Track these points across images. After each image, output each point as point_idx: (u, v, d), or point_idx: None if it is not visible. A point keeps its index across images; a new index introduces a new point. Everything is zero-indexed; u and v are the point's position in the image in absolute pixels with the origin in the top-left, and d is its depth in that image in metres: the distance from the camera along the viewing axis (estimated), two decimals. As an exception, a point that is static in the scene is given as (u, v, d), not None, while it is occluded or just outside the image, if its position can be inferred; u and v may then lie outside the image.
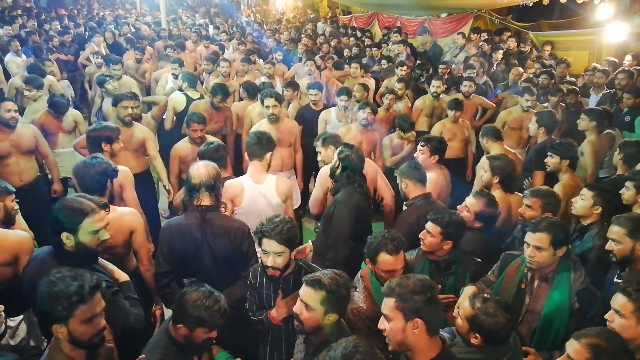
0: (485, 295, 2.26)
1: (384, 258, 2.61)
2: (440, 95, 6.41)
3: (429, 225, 2.91)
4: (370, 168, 4.01)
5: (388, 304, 1.99)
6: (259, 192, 3.51)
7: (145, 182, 4.71)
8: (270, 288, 2.75)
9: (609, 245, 2.83)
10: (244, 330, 3.07)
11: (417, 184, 3.55)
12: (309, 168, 5.57)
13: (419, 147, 4.16)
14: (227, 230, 2.90)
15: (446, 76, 7.82)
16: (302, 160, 5.27)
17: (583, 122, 4.97)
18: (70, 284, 1.94)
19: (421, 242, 2.95)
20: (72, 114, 5.45)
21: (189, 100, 5.92)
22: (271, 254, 2.60)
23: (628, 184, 3.51)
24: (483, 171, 3.85)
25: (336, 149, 3.91)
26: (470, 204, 3.29)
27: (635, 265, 2.79)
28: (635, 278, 2.62)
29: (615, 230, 2.79)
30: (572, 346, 1.96)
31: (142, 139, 4.75)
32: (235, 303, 2.90)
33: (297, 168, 5.25)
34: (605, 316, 2.25)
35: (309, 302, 2.18)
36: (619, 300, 2.21)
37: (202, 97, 6.04)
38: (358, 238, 3.26)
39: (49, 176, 5.02)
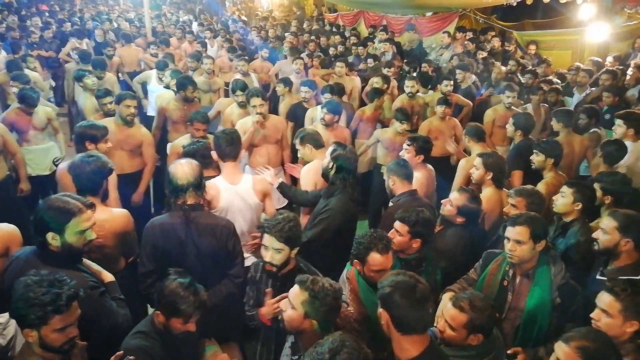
0: (465, 295, 2.34)
1: (374, 257, 2.60)
2: (419, 94, 6.46)
3: (397, 224, 2.92)
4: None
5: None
6: (235, 193, 3.44)
7: (138, 182, 4.66)
8: (267, 284, 2.73)
9: (596, 234, 2.87)
10: (230, 328, 3.06)
11: (404, 181, 3.58)
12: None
13: (404, 146, 4.17)
14: (212, 228, 2.87)
15: (432, 74, 7.87)
16: (290, 158, 5.23)
17: (553, 123, 5.07)
18: (47, 291, 1.91)
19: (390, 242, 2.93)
20: (44, 111, 5.31)
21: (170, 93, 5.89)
22: (270, 249, 2.61)
23: (595, 185, 3.54)
24: (475, 169, 3.87)
25: (314, 147, 3.92)
26: (454, 198, 3.31)
27: (616, 260, 2.81)
28: (619, 276, 2.68)
29: (606, 222, 2.82)
30: (562, 349, 1.98)
31: (141, 141, 4.70)
32: (221, 301, 2.88)
33: (285, 165, 5.21)
34: (592, 315, 2.27)
35: (293, 300, 2.17)
36: (605, 299, 2.24)
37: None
38: (337, 248, 3.25)
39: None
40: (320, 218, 3.36)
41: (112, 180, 3.56)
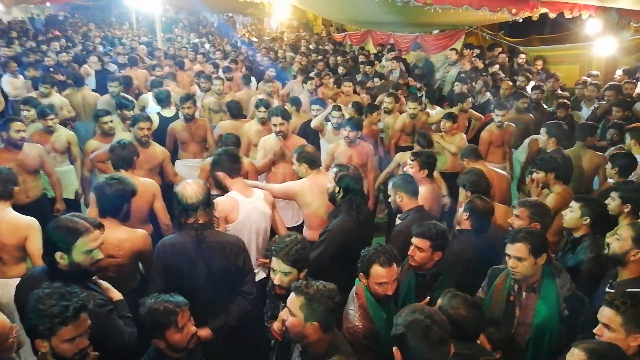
0: (454, 292, 2.39)
1: (377, 270, 2.60)
2: (428, 110, 6.54)
3: (417, 240, 2.92)
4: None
5: None
6: (252, 206, 3.55)
7: None
8: (280, 299, 2.76)
9: (610, 239, 2.85)
10: (245, 346, 3.08)
11: (412, 198, 3.59)
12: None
13: (408, 161, 4.21)
14: (222, 246, 2.90)
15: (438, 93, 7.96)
16: None
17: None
18: (56, 303, 1.97)
19: (410, 259, 2.96)
20: (66, 134, 5.46)
21: (162, 118, 6.03)
22: (279, 272, 2.63)
23: (613, 194, 3.53)
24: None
25: (309, 166, 3.91)
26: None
27: (623, 270, 2.79)
28: (627, 288, 2.66)
29: (624, 230, 2.82)
30: (571, 353, 2.00)
31: (161, 160, 4.83)
32: (235, 322, 2.92)
33: None
34: (594, 331, 2.25)
35: (291, 307, 2.22)
36: (606, 313, 2.21)
37: (177, 114, 6.11)
38: (342, 268, 3.19)
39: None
40: (320, 240, 3.38)
41: (158, 190, 3.89)
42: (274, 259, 2.64)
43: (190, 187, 2.88)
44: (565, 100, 6.87)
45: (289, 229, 4.18)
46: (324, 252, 3.30)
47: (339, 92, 7.89)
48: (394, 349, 1.92)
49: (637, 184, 3.67)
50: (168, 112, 6.18)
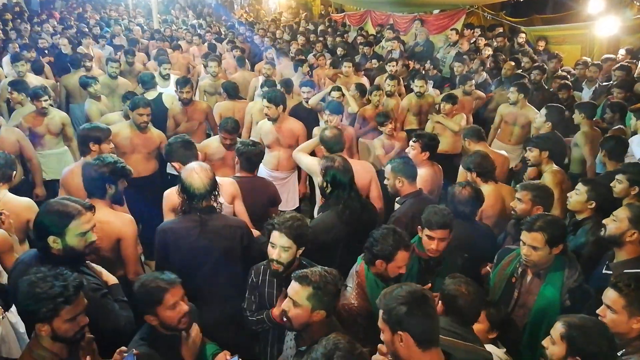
0: (458, 274, 2.43)
1: (402, 256, 2.60)
2: (430, 92, 6.44)
3: (439, 232, 2.80)
4: (365, 174, 3.88)
5: (379, 316, 1.92)
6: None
7: (153, 186, 4.65)
8: (273, 287, 2.74)
9: (607, 220, 2.84)
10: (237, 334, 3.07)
11: (412, 182, 3.52)
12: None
13: (410, 142, 4.15)
14: (227, 227, 2.92)
15: (434, 73, 7.86)
16: None
17: (575, 116, 5.03)
18: (54, 284, 1.96)
19: (430, 252, 2.86)
20: (60, 116, 5.39)
21: (158, 97, 6.03)
22: (278, 247, 2.60)
23: (620, 177, 3.50)
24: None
25: (326, 149, 3.85)
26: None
27: (620, 251, 2.78)
28: (624, 269, 2.67)
29: (620, 211, 2.81)
30: (554, 327, 2.08)
31: (159, 143, 4.79)
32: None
33: (301, 171, 5.19)
34: (597, 311, 2.25)
35: (296, 298, 2.17)
36: (610, 295, 2.21)
37: (159, 95, 6.14)
38: (332, 262, 3.05)
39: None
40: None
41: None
42: (274, 232, 2.61)
43: (197, 175, 2.85)
44: (567, 82, 6.79)
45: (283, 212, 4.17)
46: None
47: (338, 73, 7.79)
48: (398, 333, 1.81)
49: None
50: (151, 94, 6.09)
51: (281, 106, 4.87)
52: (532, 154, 4.07)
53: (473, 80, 6.67)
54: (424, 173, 3.96)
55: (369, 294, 2.65)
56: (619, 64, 6.85)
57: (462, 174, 4.14)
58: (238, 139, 4.39)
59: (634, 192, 3.44)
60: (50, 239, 2.33)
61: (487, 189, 3.61)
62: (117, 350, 2.15)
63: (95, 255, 2.81)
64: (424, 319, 1.80)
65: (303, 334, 2.24)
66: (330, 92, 5.75)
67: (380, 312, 1.89)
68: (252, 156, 3.76)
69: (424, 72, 7.97)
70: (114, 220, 3.00)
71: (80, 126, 4.23)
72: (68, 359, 2.07)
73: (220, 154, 4.50)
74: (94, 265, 2.62)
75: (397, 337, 1.81)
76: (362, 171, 3.78)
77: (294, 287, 2.20)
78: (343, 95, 5.75)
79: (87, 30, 11.06)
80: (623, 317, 2.16)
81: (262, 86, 5.66)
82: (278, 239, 2.60)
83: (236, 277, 2.97)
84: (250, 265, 2.90)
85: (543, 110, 4.99)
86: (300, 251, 2.67)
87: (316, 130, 5.12)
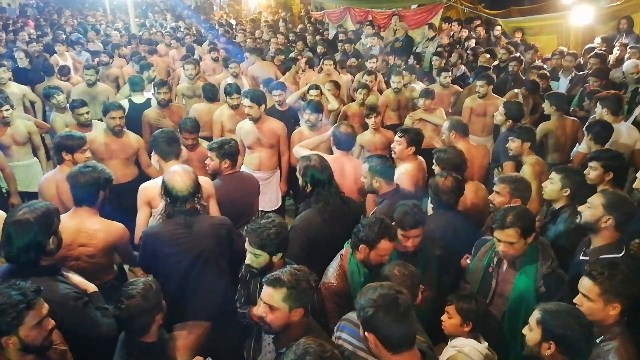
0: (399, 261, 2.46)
1: (385, 245, 2.67)
2: (408, 87, 6.49)
3: (413, 232, 2.87)
4: (352, 170, 3.93)
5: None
6: None
7: (132, 193, 4.51)
8: (257, 284, 2.75)
9: (581, 208, 2.86)
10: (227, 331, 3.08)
11: (389, 183, 3.51)
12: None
13: (396, 137, 4.16)
14: (213, 227, 2.93)
15: (417, 67, 7.89)
16: (287, 163, 5.17)
17: (545, 106, 5.06)
18: (10, 294, 1.94)
19: (405, 248, 2.92)
20: (24, 124, 5.24)
21: (132, 105, 5.90)
22: (249, 252, 2.64)
23: (594, 163, 3.52)
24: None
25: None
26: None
27: (596, 237, 2.81)
28: (600, 255, 2.71)
29: (594, 198, 2.83)
30: (533, 315, 2.13)
31: (137, 148, 4.74)
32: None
33: (282, 170, 5.19)
34: (574, 300, 2.27)
35: (271, 302, 2.15)
36: (585, 283, 2.24)
37: (148, 101, 5.99)
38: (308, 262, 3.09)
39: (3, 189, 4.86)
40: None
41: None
42: (246, 239, 2.64)
43: (180, 178, 2.86)
44: (545, 71, 6.86)
45: (265, 212, 4.16)
46: (291, 250, 3.17)
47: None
48: (366, 334, 1.88)
49: (616, 152, 3.67)
50: (138, 98, 6.03)
51: (263, 105, 4.88)
52: (513, 144, 4.08)
53: (449, 73, 6.68)
54: (409, 167, 4.00)
55: (349, 276, 2.75)
56: (593, 52, 6.93)
57: (438, 169, 4.07)
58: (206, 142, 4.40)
59: (608, 177, 3.47)
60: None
61: None
62: None
63: (86, 262, 2.85)
64: (391, 324, 1.79)
65: (281, 336, 2.23)
66: (308, 90, 5.73)
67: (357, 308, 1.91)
68: (233, 152, 3.77)
69: (404, 67, 7.98)
70: (110, 228, 3.02)
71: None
72: None
73: (184, 156, 4.36)
74: (71, 274, 2.60)
75: (368, 335, 1.85)
76: (349, 169, 3.85)
77: (267, 292, 2.17)
78: (321, 93, 5.73)
79: (63, 37, 10.86)
80: (599, 305, 2.18)
81: (227, 93, 5.47)
82: (248, 246, 2.62)
83: (223, 275, 2.99)
84: (237, 261, 2.92)
85: (501, 109, 4.94)
86: (276, 258, 2.65)
87: (296, 132, 5.11)
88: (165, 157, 3.62)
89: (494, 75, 6.21)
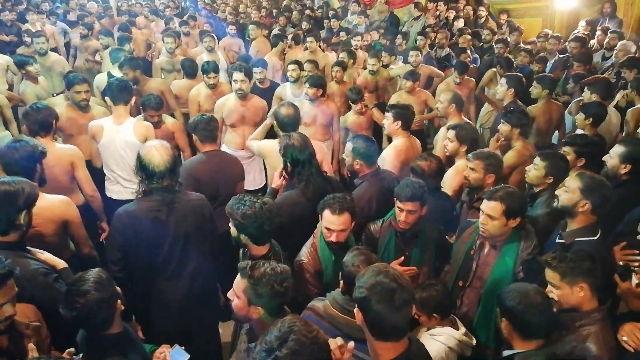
0: (361, 250, 2.36)
1: (326, 215, 2.66)
2: (393, 66, 6.46)
3: (408, 205, 2.83)
4: (318, 153, 3.79)
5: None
6: (116, 132, 4.05)
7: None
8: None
9: (558, 192, 2.85)
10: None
11: (370, 166, 3.45)
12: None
13: (385, 114, 4.14)
14: (191, 205, 2.85)
15: (404, 47, 7.81)
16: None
17: (534, 89, 5.04)
18: None
19: (402, 223, 2.89)
20: None
21: (111, 78, 5.63)
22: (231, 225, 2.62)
23: (567, 148, 3.52)
24: (449, 141, 3.83)
25: (280, 128, 3.81)
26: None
27: (572, 220, 2.81)
28: (576, 237, 2.74)
29: (571, 181, 2.80)
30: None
31: None
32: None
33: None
34: (546, 290, 2.28)
35: (236, 289, 2.11)
36: (547, 274, 2.28)
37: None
38: (289, 241, 3.06)
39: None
40: None
41: (79, 158, 3.68)
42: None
43: (157, 153, 2.74)
44: (544, 56, 6.83)
45: (249, 191, 4.11)
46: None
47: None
48: (355, 310, 1.84)
49: (590, 138, 3.68)
50: (119, 72, 5.77)
51: (251, 80, 4.84)
52: (504, 127, 4.07)
53: (417, 52, 6.57)
54: (397, 143, 3.98)
55: (320, 254, 2.76)
56: (573, 36, 6.95)
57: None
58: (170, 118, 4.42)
59: (580, 163, 3.48)
60: None
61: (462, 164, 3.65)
62: (66, 351, 2.04)
63: (37, 242, 2.71)
64: (381, 314, 1.72)
65: (255, 330, 2.16)
66: (288, 65, 5.65)
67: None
68: (205, 126, 3.65)
69: (384, 48, 7.90)
70: (56, 204, 2.90)
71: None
72: (7, 348, 1.96)
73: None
74: (37, 251, 2.51)
75: (357, 312, 1.81)
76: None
77: (237, 277, 2.13)
78: (300, 69, 5.64)
79: (39, 5, 10.45)
80: (566, 290, 2.20)
81: (205, 71, 5.25)
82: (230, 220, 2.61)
83: (205, 253, 2.94)
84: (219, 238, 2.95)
85: (503, 80, 5.00)
86: (244, 237, 2.57)
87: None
88: (115, 100, 4.04)
89: (469, 63, 6.23)
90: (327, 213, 2.65)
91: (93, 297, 2.10)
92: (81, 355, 2.07)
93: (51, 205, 2.85)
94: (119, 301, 2.25)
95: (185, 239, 2.82)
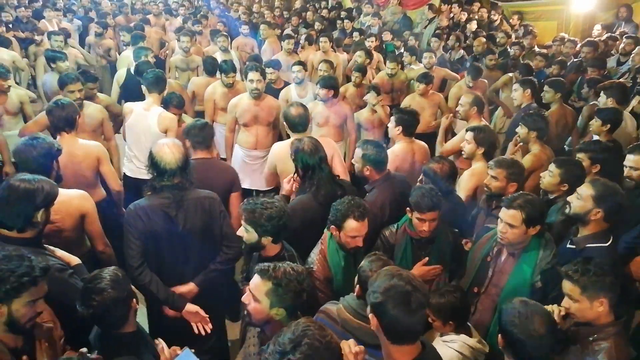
0: (379, 256, 2.34)
1: (351, 224, 2.63)
2: (411, 66, 6.46)
3: (429, 215, 2.83)
4: (329, 149, 3.75)
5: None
6: (143, 116, 4.31)
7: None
8: (253, 261, 2.73)
9: (571, 198, 2.82)
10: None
11: (380, 170, 3.40)
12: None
13: (391, 117, 4.13)
14: (200, 202, 2.84)
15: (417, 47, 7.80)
16: (276, 138, 5.06)
17: (548, 94, 4.98)
18: (20, 264, 1.89)
19: (421, 232, 2.89)
20: (17, 93, 5.04)
21: (129, 75, 5.81)
22: (242, 225, 2.60)
23: (582, 155, 3.49)
24: (466, 143, 3.80)
25: (291, 131, 3.78)
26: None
27: (584, 227, 2.78)
28: (587, 243, 2.71)
29: (584, 189, 2.76)
30: None
31: (101, 119, 4.59)
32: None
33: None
34: (562, 304, 2.24)
35: (255, 292, 2.07)
36: (566, 285, 2.21)
37: None
38: (301, 245, 3.04)
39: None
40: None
41: (103, 153, 3.73)
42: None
43: (170, 151, 2.74)
44: (564, 59, 6.77)
45: (261, 192, 4.12)
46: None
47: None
48: (370, 315, 1.82)
49: (605, 144, 3.64)
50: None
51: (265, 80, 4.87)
52: (521, 130, 4.03)
53: (431, 54, 6.56)
54: (397, 148, 3.97)
55: (329, 261, 2.75)
56: (586, 40, 6.89)
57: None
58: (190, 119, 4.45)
59: (595, 170, 3.45)
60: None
61: (480, 166, 3.66)
62: (79, 351, 2.03)
63: (56, 237, 2.75)
64: (398, 318, 1.72)
65: (267, 332, 2.14)
66: (292, 66, 5.64)
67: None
68: (198, 132, 3.58)
69: (404, 48, 7.88)
70: (74, 197, 2.91)
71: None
72: (21, 349, 1.98)
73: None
74: (53, 248, 2.54)
75: (372, 317, 1.80)
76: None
77: (254, 281, 2.09)
78: (305, 70, 5.64)
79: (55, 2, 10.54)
80: (585, 304, 2.15)
81: (224, 70, 5.25)
82: (242, 219, 2.60)
83: (213, 250, 2.95)
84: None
85: (516, 85, 4.94)
86: (266, 239, 2.58)
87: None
88: (150, 88, 4.36)
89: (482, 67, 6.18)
90: (351, 222, 2.63)
91: (109, 295, 2.13)
92: (96, 352, 2.09)
93: (69, 199, 2.87)
94: (134, 300, 2.27)
95: (194, 235, 2.83)
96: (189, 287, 2.87)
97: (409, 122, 4.00)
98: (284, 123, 4.02)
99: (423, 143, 4.19)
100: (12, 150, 3.00)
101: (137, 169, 4.32)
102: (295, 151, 3.21)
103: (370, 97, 5.20)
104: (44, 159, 2.88)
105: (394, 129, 4.02)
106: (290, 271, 2.07)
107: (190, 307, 2.80)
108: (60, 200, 2.65)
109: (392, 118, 4.03)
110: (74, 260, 2.56)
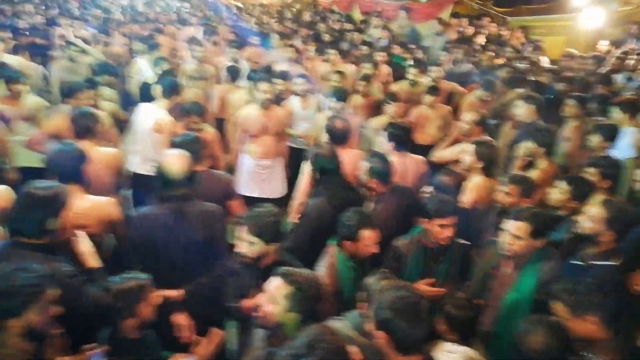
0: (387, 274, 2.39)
1: (366, 234, 2.70)
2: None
3: (451, 219, 2.85)
4: (352, 158, 3.84)
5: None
6: (146, 115, 4.53)
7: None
8: (252, 275, 2.69)
9: (582, 218, 2.81)
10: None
11: (386, 183, 3.43)
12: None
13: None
14: (202, 214, 2.88)
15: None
16: (286, 148, 5.22)
17: (569, 109, 4.92)
18: (26, 276, 1.93)
19: (441, 240, 2.90)
20: (34, 100, 5.06)
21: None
22: (244, 241, 2.60)
23: (592, 170, 3.46)
24: (467, 155, 3.81)
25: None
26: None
27: (593, 248, 2.78)
28: (594, 260, 2.69)
29: (596, 210, 2.75)
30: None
31: (108, 124, 4.65)
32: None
33: (285, 156, 5.20)
34: None
35: (275, 294, 2.09)
36: (555, 307, 2.24)
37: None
38: (316, 249, 3.06)
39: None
40: (298, 223, 3.35)
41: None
42: (242, 227, 2.61)
43: (174, 162, 2.80)
44: (570, 74, 6.74)
45: (271, 200, 4.15)
46: (300, 236, 3.22)
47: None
48: (379, 333, 1.83)
49: (614, 159, 3.63)
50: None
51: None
52: (530, 146, 3.99)
53: (439, 68, 6.53)
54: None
55: (339, 273, 2.77)
56: (592, 55, 6.90)
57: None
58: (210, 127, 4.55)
59: (606, 185, 3.42)
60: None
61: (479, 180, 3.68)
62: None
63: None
64: (409, 329, 1.76)
65: (279, 336, 2.13)
66: (296, 79, 5.67)
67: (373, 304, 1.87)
68: (191, 146, 3.46)
69: (413, 60, 7.92)
70: (103, 205, 2.98)
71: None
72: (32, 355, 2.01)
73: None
74: (80, 236, 2.58)
75: (379, 334, 1.82)
76: (350, 157, 3.76)
77: (275, 283, 2.10)
78: (307, 82, 5.65)
79: (71, 11, 10.72)
80: (576, 322, 2.15)
81: (255, 80, 5.21)
82: (244, 234, 2.59)
83: (211, 261, 2.95)
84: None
85: (520, 102, 4.86)
86: (272, 246, 2.61)
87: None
88: (167, 96, 4.58)
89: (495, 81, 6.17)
90: (366, 232, 2.71)
91: (129, 286, 2.27)
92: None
93: (99, 207, 2.94)
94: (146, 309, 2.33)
95: (192, 246, 2.86)
96: (178, 293, 2.84)
97: (400, 137, 4.02)
98: (327, 135, 4.00)
99: (418, 157, 4.16)
100: (46, 156, 3.04)
101: (142, 165, 4.58)
102: (315, 155, 3.34)
103: (390, 109, 5.20)
104: (77, 163, 2.94)
105: (387, 144, 4.04)
106: (310, 277, 2.13)
107: (178, 317, 2.79)
108: (90, 206, 2.77)
109: (385, 133, 4.06)
110: (94, 262, 2.57)
